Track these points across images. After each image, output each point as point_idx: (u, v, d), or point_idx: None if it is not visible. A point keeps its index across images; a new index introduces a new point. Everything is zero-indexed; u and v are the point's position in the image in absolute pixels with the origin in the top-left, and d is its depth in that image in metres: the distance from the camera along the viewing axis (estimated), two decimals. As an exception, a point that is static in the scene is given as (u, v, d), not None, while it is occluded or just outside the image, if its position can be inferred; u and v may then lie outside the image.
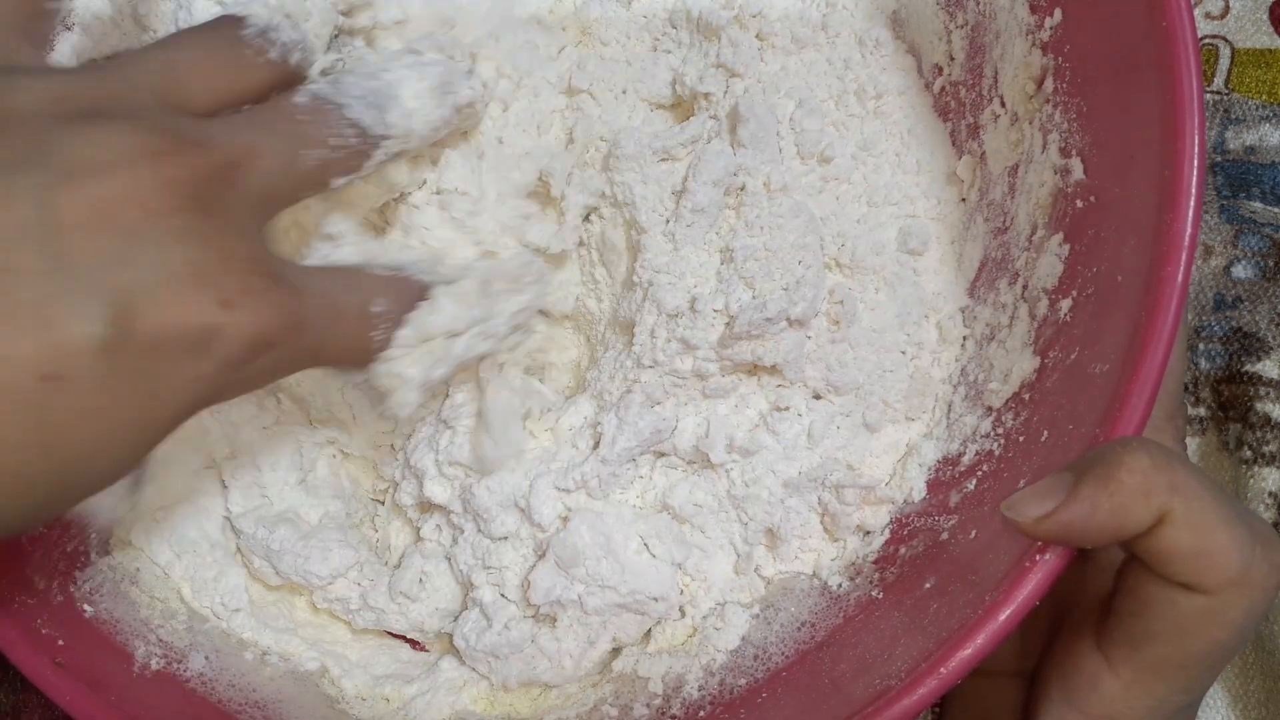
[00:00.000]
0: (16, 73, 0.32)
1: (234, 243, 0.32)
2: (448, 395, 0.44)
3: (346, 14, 0.41)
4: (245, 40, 0.36)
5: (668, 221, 0.43)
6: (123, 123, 0.31)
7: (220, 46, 0.36)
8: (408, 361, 0.38)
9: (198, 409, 0.33)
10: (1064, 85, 0.40)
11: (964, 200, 0.45)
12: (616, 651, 0.44)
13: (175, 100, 0.34)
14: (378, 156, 0.37)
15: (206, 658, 0.42)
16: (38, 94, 0.31)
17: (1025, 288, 0.41)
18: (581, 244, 0.46)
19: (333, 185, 0.37)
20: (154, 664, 0.41)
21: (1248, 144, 0.52)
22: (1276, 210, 0.52)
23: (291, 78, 0.37)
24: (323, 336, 0.35)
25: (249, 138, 0.34)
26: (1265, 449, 0.50)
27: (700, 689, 0.41)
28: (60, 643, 0.39)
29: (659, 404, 0.43)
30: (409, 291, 0.38)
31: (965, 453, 0.41)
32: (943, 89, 0.46)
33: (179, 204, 0.31)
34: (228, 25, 0.36)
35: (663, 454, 0.44)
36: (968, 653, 0.33)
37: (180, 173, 0.31)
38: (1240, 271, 0.52)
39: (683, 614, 0.44)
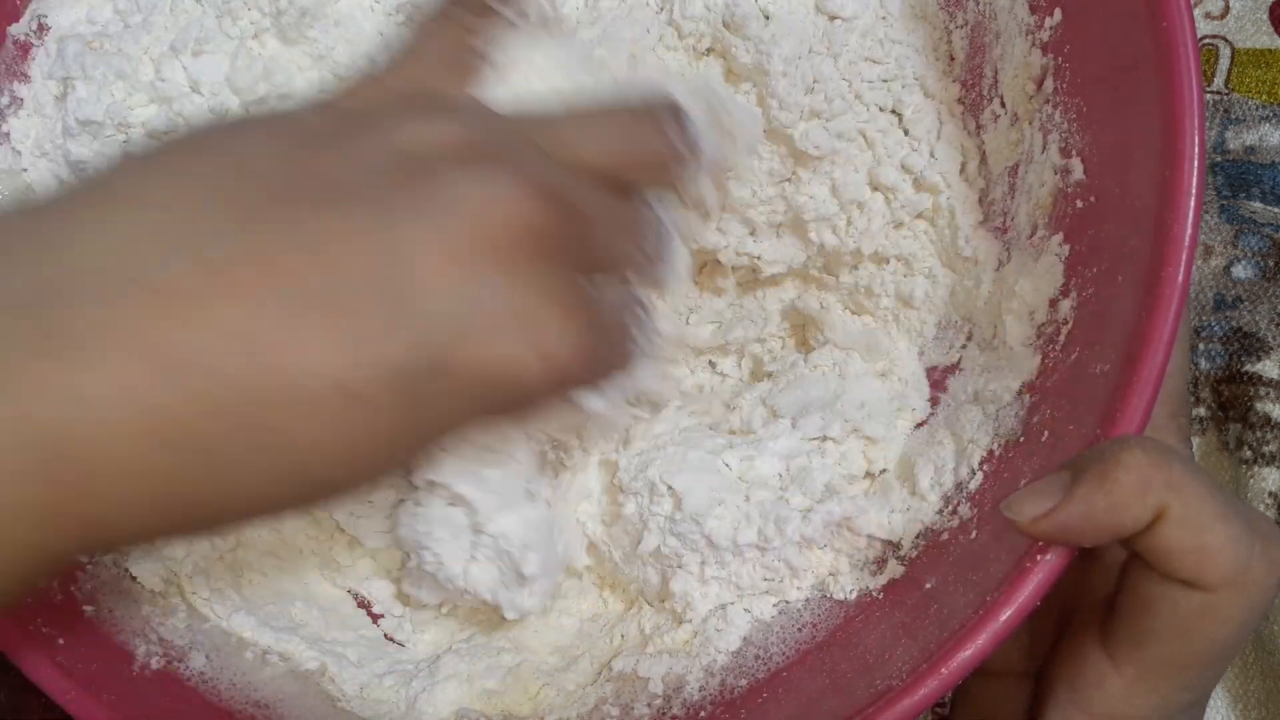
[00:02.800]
0: (433, 110, 0.33)
1: (565, 294, 0.33)
2: None
3: None
4: (670, 126, 0.37)
5: None
6: (507, 169, 0.32)
7: (641, 125, 0.37)
8: None
9: (477, 428, 0.35)
10: (1064, 85, 0.40)
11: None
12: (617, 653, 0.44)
13: (565, 156, 0.35)
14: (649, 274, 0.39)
15: (207, 657, 0.42)
16: (440, 133, 0.32)
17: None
18: None
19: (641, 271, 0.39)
20: (154, 663, 0.41)
21: (1248, 144, 0.53)
22: (1276, 210, 0.52)
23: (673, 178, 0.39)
24: (602, 371, 0.37)
25: (613, 215, 0.36)
26: (1265, 449, 0.50)
27: (701, 689, 0.41)
28: (60, 642, 0.39)
29: None
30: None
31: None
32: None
33: (530, 253, 0.32)
34: (666, 107, 0.38)
35: None
36: (969, 653, 0.33)
37: (545, 225, 0.32)
38: (1240, 271, 0.52)
39: (680, 622, 0.44)
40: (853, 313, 0.47)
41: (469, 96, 0.37)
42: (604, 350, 0.35)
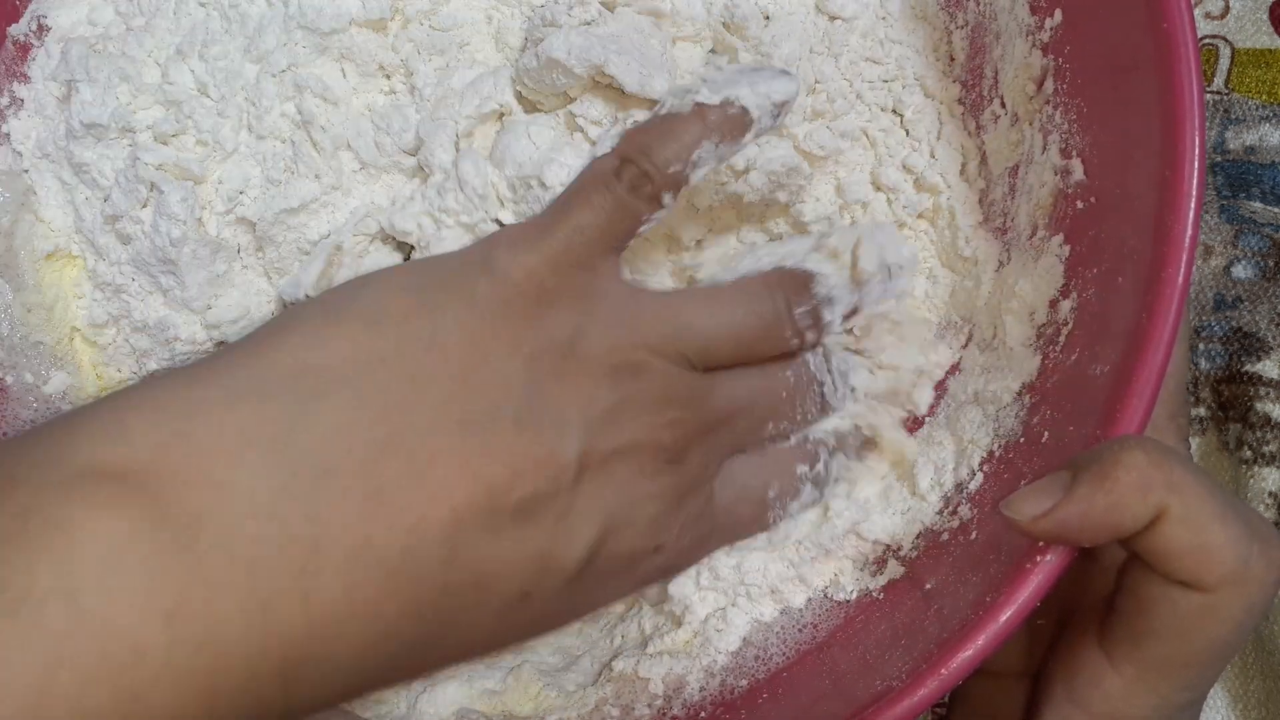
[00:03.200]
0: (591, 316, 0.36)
1: (686, 498, 0.37)
2: None
3: None
4: (798, 310, 0.39)
5: None
6: (650, 378, 0.36)
7: (766, 313, 0.39)
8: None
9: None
10: (1064, 86, 0.40)
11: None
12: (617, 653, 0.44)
13: (693, 353, 0.37)
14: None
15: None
16: (599, 340, 0.35)
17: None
18: None
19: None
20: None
21: (1248, 144, 0.52)
22: (1276, 210, 0.52)
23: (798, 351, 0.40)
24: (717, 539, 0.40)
25: (744, 400, 0.39)
26: (1265, 449, 0.50)
27: (701, 690, 0.41)
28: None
29: None
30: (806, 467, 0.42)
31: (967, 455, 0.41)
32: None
33: (669, 459, 0.36)
34: (798, 283, 0.40)
35: None
36: (969, 654, 0.33)
37: (678, 430, 0.36)
38: (1240, 271, 0.52)
39: (679, 624, 0.44)
40: None
41: (613, 278, 0.37)
42: (690, 549, 0.39)
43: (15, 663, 0.24)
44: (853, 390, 0.42)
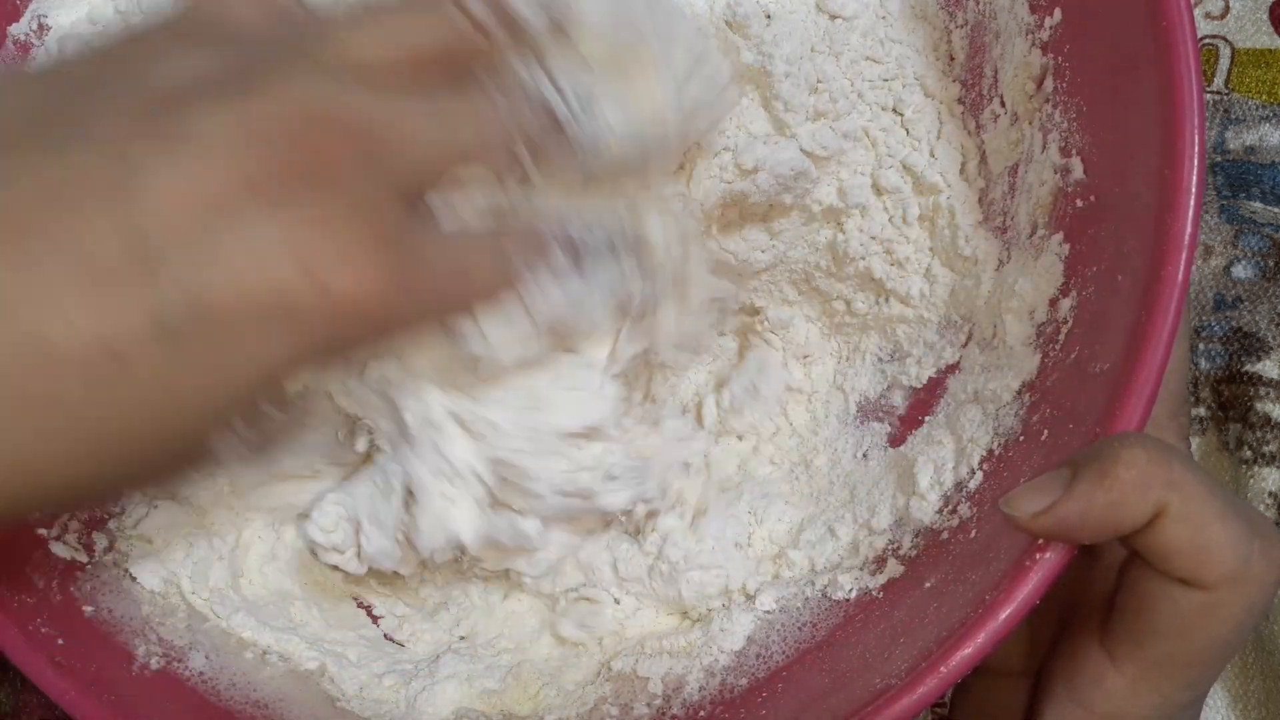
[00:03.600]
0: (196, 39, 0.31)
1: (346, 220, 0.30)
2: None
3: None
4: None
5: None
6: (263, 98, 0.29)
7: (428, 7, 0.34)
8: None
9: (273, 385, 0.30)
10: (1064, 85, 0.40)
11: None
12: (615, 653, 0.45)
13: (342, 58, 0.32)
14: (578, 151, 0.34)
15: (207, 657, 0.42)
16: (194, 66, 0.30)
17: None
18: None
19: (504, 174, 0.34)
20: (154, 663, 0.41)
21: (1248, 144, 0.53)
22: (1276, 210, 0.52)
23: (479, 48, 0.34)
24: (443, 301, 0.33)
25: (408, 104, 0.32)
26: (1265, 449, 0.50)
27: (701, 689, 0.41)
28: (60, 642, 0.39)
29: None
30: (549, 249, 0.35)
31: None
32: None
33: (299, 183, 0.29)
34: None
35: None
36: (968, 652, 0.33)
37: (313, 150, 0.29)
38: (1240, 271, 0.52)
39: (693, 620, 0.44)
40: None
41: (266, 7, 0.33)
42: (429, 279, 0.32)
43: None
44: (611, 128, 0.34)
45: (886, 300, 0.47)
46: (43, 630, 0.39)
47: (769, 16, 0.44)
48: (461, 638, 0.47)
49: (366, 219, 0.30)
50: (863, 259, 0.46)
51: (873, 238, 0.45)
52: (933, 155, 0.45)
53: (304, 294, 0.29)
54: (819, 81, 0.44)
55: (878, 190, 0.45)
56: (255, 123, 0.29)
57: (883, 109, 0.45)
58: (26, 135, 0.29)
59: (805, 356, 0.49)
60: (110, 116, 0.29)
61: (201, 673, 0.42)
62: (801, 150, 0.43)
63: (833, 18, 0.44)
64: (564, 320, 0.36)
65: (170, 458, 0.31)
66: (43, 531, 0.42)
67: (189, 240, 0.28)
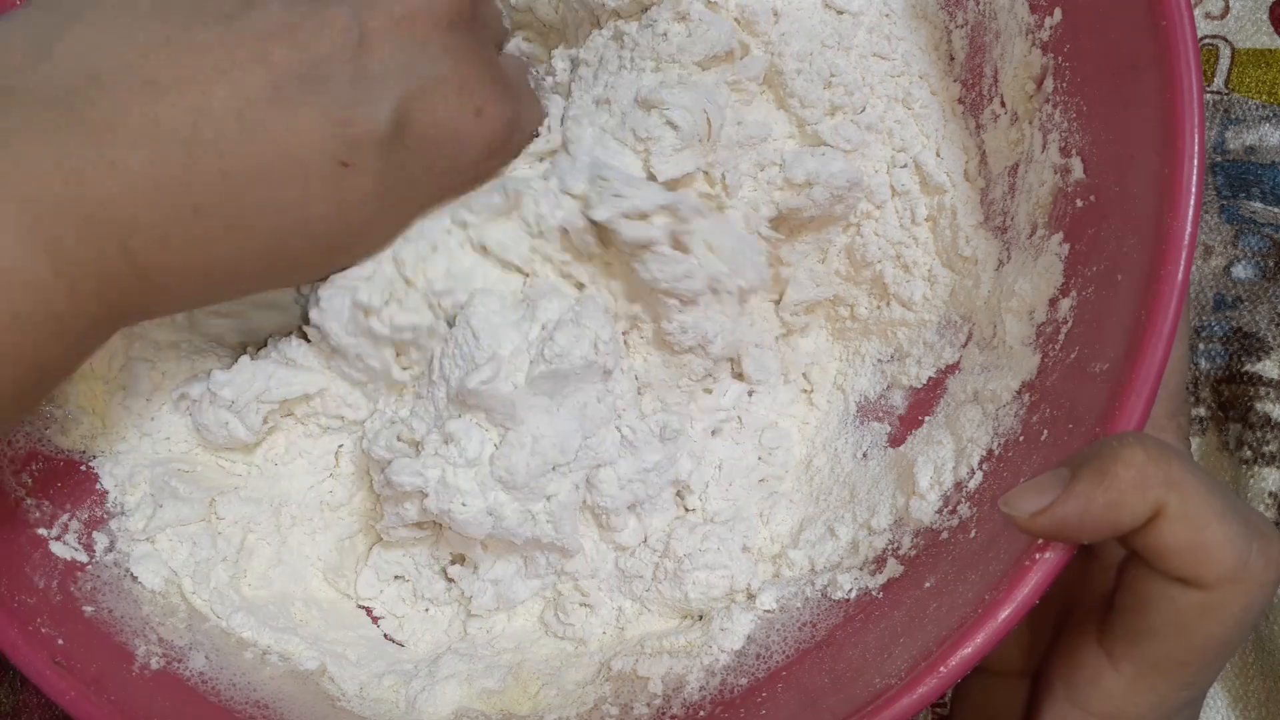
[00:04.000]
0: None
1: (486, 59, 0.39)
2: None
3: None
4: None
5: None
6: None
7: None
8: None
9: (441, 202, 0.41)
10: (1064, 85, 0.40)
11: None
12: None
13: None
14: None
15: (207, 657, 0.42)
16: None
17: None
18: None
19: None
20: (154, 663, 0.41)
21: (1248, 144, 0.53)
22: (1276, 210, 0.52)
23: None
24: (527, 131, 0.42)
25: None
26: (1265, 449, 0.50)
27: (701, 689, 0.41)
28: (60, 642, 0.39)
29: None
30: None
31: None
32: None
33: (452, 21, 0.37)
34: None
35: None
36: (968, 651, 0.33)
37: (451, 12, 0.38)
38: (1240, 271, 0.52)
39: (693, 619, 0.44)
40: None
41: None
42: (525, 111, 0.42)
43: None
44: None
45: (889, 304, 0.47)
46: (43, 630, 0.39)
47: (776, 14, 0.44)
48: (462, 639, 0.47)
49: (498, 65, 0.40)
50: (879, 262, 0.46)
51: (886, 240, 0.46)
52: (939, 155, 0.45)
53: (470, 126, 0.38)
54: (832, 75, 0.44)
55: (892, 190, 0.45)
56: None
57: (895, 101, 0.45)
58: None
59: (811, 364, 0.50)
60: None
61: (201, 673, 0.42)
62: (825, 143, 0.44)
63: (839, 13, 0.44)
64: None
65: (354, 253, 0.40)
66: (43, 532, 0.42)
67: (389, 64, 0.36)
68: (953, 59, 0.45)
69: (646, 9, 0.44)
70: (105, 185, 0.32)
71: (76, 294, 0.32)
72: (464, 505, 0.42)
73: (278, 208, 0.35)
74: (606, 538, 0.46)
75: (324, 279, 0.42)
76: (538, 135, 0.43)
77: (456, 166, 0.39)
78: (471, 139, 0.39)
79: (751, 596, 0.44)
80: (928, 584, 0.38)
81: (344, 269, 0.40)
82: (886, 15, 0.45)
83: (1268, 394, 0.50)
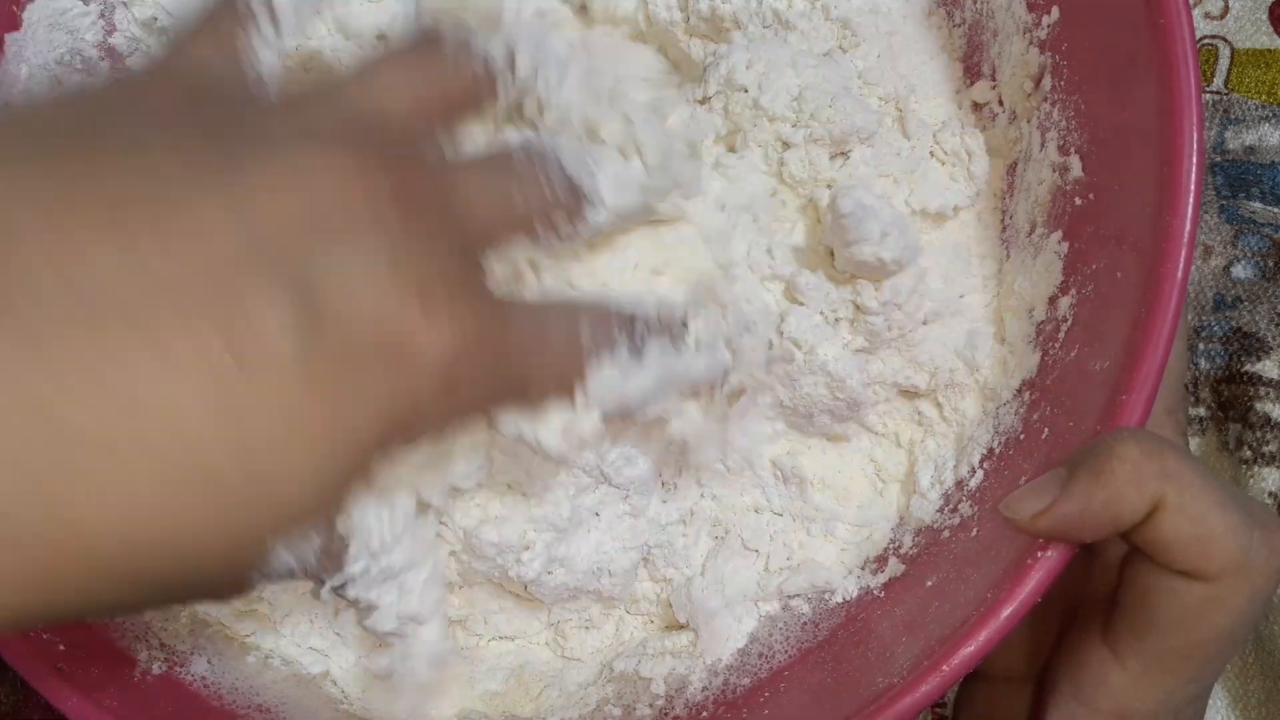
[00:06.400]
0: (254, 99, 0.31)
1: (441, 250, 0.29)
2: None
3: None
4: (445, 56, 0.34)
5: None
6: (334, 142, 0.29)
7: (421, 64, 0.34)
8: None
9: (388, 442, 0.29)
10: (1062, 83, 0.40)
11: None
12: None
13: (380, 121, 0.32)
14: (591, 219, 0.34)
15: (209, 661, 0.42)
16: (270, 114, 0.30)
17: None
18: None
19: (540, 239, 0.34)
20: (156, 668, 0.41)
21: (1247, 144, 0.53)
22: (1276, 210, 0.52)
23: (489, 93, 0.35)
24: (528, 368, 0.32)
25: (459, 165, 0.32)
26: (1265, 449, 0.50)
27: (704, 689, 0.41)
28: (61, 647, 0.39)
29: None
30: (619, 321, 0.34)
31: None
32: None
33: (386, 205, 0.28)
34: (428, 42, 0.34)
35: None
36: (970, 650, 0.33)
37: (389, 182, 0.29)
38: (1240, 271, 0.52)
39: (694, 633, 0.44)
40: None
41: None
42: (515, 343, 0.31)
43: None
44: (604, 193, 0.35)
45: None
46: (44, 636, 0.39)
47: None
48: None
49: (460, 265, 0.30)
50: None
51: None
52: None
53: (413, 334, 0.28)
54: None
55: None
56: (346, 159, 0.28)
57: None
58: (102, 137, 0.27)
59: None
60: (193, 140, 0.28)
61: (204, 677, 0.42)
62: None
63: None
64: (623, 408, 0.34)
65: (292, 504, 0.27)
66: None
67: (305, 258, 0.27)
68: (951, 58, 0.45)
69: None
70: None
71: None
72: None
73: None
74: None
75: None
76: None
77: (405, 385, 0.28)
78: (420, 347, 0.28)
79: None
80: (929, 583, 0.38)
81: None
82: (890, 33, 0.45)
83: (1268, 394, 0.50)
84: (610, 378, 0.33)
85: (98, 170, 0.26)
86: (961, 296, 0.42)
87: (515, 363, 0.31)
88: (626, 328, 0.33)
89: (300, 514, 0.27)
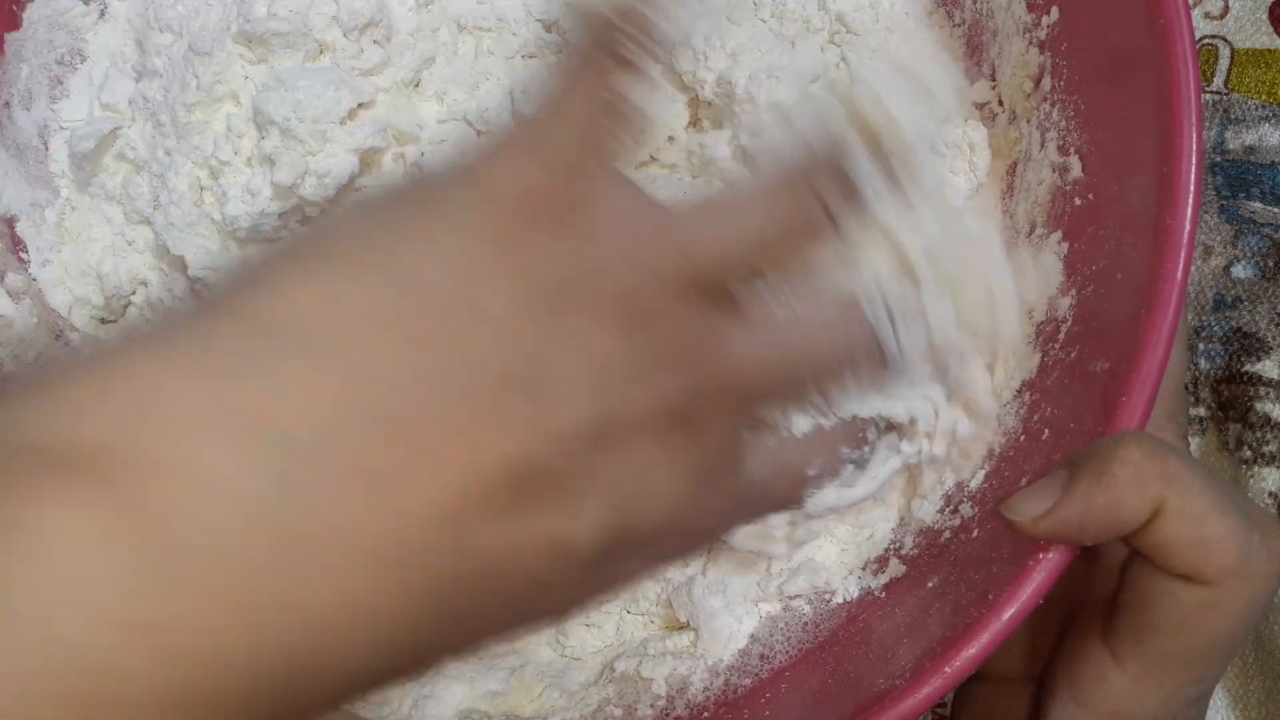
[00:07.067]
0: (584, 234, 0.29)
1: (715, 476, 0.31)
2: None
3: None
4: (829, 183, 0.32)
5: None
6: (665, 329, 0.29)
7: (793, 194, 0.32)
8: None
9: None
10: (1061, 83, 0.40)
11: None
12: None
13: (708, 276, 0.31)
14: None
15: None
16: (605, 277, 0.29)
17: None
18: None
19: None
20: (157, 668, 0.41)
21: (1247, 144, 0.53)
22: (1276, 210, 0.52)
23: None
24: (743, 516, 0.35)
25: (776, 356, 0.32)
26: (1265, 449, 0.50)
27: (705, 689, 0.41)
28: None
29: None
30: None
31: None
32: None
33: (688, 430, 0.30)
34: (822, 163, 0.32)
35: None
36: (972, 652, 0.33)
37: (699, 398, 0.30)
38: (1240, 271, 0.52)
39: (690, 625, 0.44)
40: None
41: (614, 183, 0.32)
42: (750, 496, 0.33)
43: None
44: (930, 341, 0.33)
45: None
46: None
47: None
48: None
49: (724, 467, 0.31)
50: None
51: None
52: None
53: (677, 538, 0.31)
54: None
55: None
56: (646, 364, 0.29)
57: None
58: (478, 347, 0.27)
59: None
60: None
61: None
62: None
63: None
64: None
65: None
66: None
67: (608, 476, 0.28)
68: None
69: None
70: (280, 623, 0.24)
71: None
72: None
73: (467, 624, 0.28)
74: None
75: None
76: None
77: (638, 571, 0.32)
78: (663, 552, 0.32)
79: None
80: (930, 584, 0.38)
81: None
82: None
83: (1268, 394, 0.50)
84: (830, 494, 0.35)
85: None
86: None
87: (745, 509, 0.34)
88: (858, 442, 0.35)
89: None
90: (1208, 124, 0.52)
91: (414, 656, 0.27)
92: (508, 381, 0.27)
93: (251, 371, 0.25)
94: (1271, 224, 0.52)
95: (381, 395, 0.26)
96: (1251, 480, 0.49)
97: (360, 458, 0.25)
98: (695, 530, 0.32)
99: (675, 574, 0.43)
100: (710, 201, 0.33)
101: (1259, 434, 0.50)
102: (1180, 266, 0.33)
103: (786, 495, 0.35)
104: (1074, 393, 0.36)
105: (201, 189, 0.44)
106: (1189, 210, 0.33)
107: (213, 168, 0.44)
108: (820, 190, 0.32)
